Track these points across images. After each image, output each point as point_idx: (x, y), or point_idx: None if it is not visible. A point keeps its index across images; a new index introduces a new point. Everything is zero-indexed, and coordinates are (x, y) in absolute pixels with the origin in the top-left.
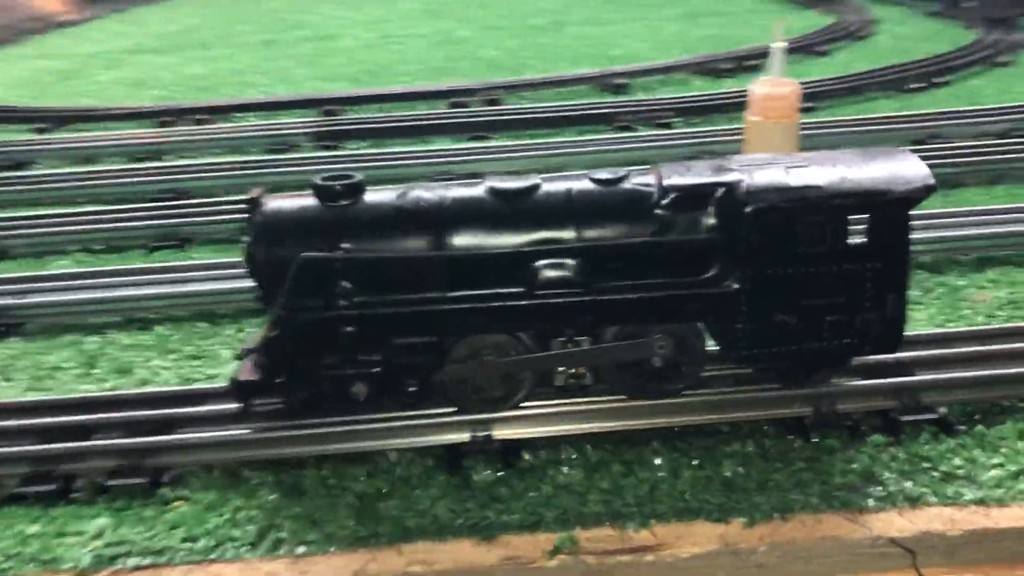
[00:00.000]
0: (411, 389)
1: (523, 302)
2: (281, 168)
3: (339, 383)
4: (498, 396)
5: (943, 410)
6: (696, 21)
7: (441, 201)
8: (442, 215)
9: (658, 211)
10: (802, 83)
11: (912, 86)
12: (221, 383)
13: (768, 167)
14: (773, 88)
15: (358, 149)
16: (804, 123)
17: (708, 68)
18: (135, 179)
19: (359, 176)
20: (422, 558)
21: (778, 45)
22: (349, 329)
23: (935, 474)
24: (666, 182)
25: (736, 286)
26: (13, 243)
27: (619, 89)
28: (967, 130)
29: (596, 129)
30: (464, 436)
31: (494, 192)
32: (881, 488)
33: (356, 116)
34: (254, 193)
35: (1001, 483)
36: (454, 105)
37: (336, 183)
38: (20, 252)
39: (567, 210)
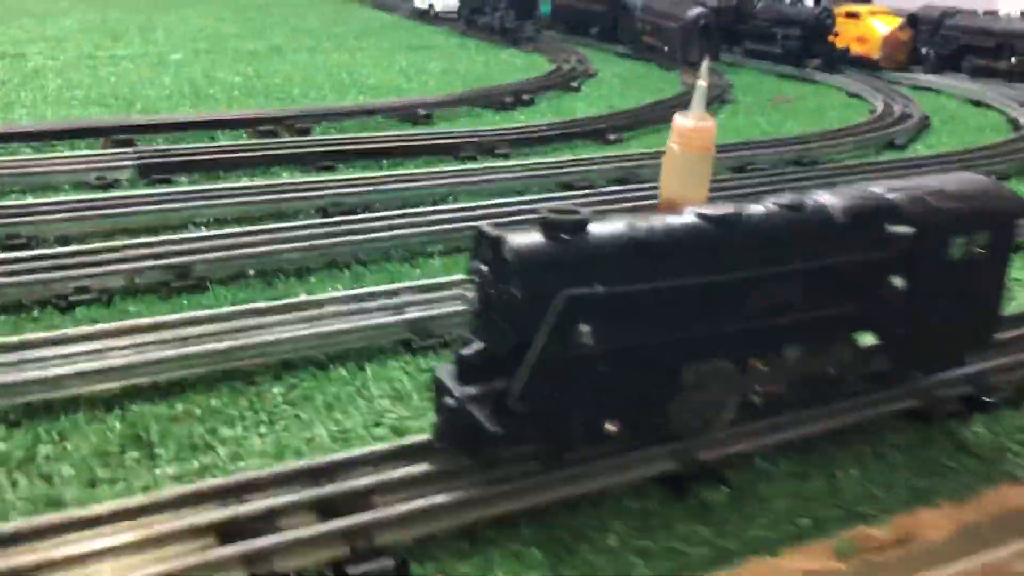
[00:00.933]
0: (649, 421)
1: (754, 325)
2: (114, 209)
3: (593, 421)
4: (710, 420)
5: None
6: (420, 54)
7: (667, 231)
8: (672, 244)
9: (842, 232)
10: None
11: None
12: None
13: (909, 191)
14: (697, 122)
15: (195, 185)
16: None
17: (493, 101)
18: None
19: (584, 211)
20: None
21: (701, 83)
22: (602, 368)
23: None
24: (840, 205)
25: (905, 295)
26: None
27: (424, 120)
28: None
29: (441, 159)
30: (672, 464)
31: (706, 219)
32: None
33: (179, 147)
34: (484, 227)
35: None
36: (261, 134)
37: (565, 217)
38: None
39: (774, 236)
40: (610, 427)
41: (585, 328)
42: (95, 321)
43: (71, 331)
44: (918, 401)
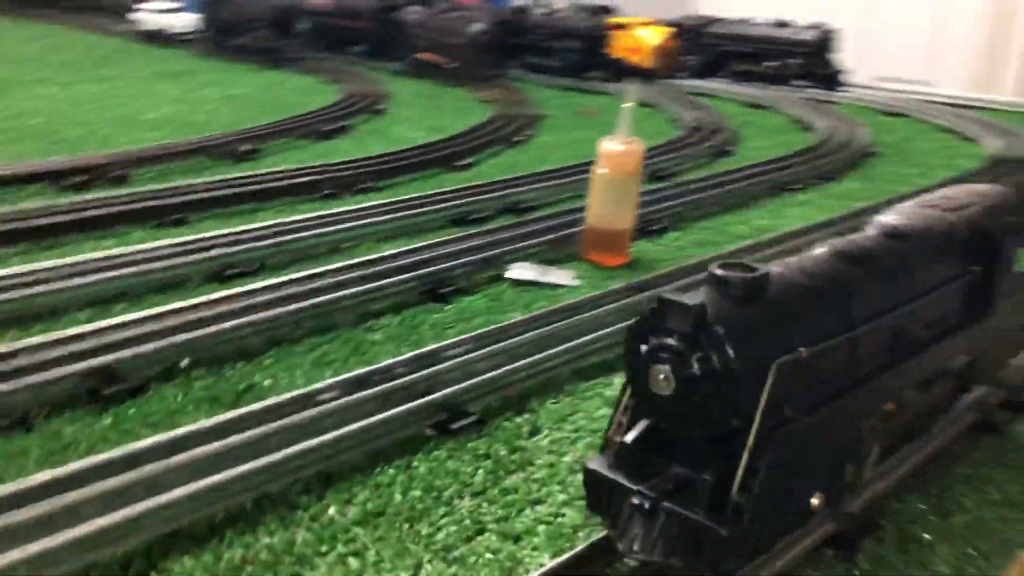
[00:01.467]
0: (845, 483)
1: (907, 362)
2: None
3: (801, 500)
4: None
5: None
6: (185, 80)
7: (843, 273)
8: (844, 288)
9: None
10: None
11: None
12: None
13: (968, 208)
14: (625, 145)
15: (27, 262)
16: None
17: (310, 131)
18: None
19: (759, 267)
20: None
21: (627, 106)
22: (807, 437)
23: None
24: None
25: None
26: None
27: (248, 156)
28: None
29: (296, 201)
30: (833, 525)
31: (847, 255)
32: None
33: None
34: (669, 295)
35: None
36: (73, 187)
37: (748, 275)
38: None
39: (905, 266)
40: (815, 501)
41: (794, 395)
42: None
43: None
44: (977, 414)
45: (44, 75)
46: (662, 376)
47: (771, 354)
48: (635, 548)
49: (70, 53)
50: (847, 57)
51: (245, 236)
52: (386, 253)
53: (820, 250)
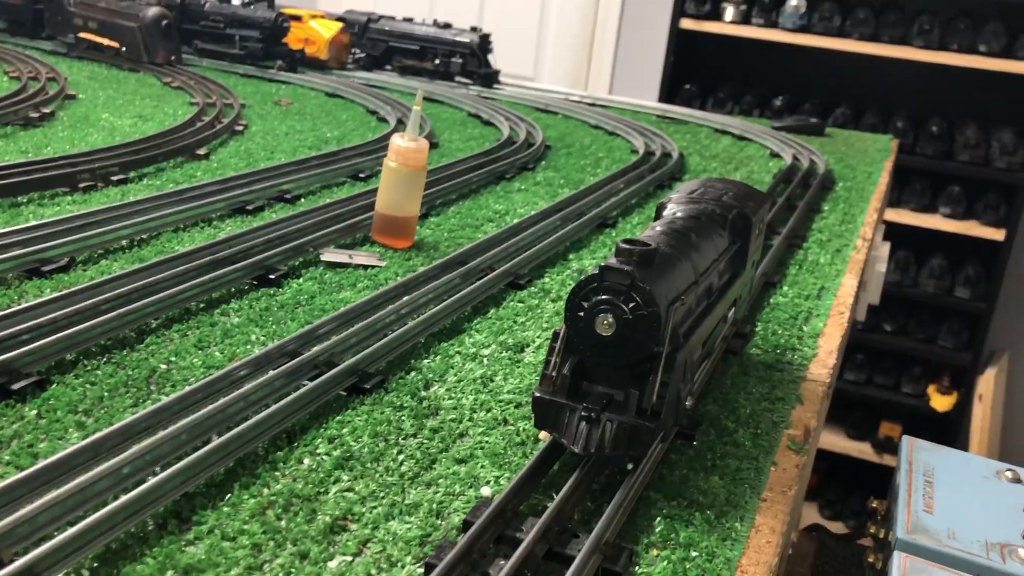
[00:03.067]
0: (694, 388)
1: (720, 301)
2: None
3: (682, 402)
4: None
5: None
6: None
7: (680, 243)
8: (686, 253)
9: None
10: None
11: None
12: None
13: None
14: (412, 142)
15: None
16: None
17: (6, 119)
18: None
19: (650, 242)
20: None
21: (416, 108)
22: (685, 356)
23: None
24: (717, 207)
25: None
26: None
27: None
28: None
29: (54, 194)
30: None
31: (688, 222)
32: None
33: None
34: (611, 263)
35: None
36: None
37: (643, 248)
38: None
39: (711, 236)
40: (688, 403)
41: (678, 329)
42: None
43: None
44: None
45: None
46: (606, 322)
47: (666, 301)
48: (586, 447)
49: None
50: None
51: (44, 231)
52: (207, 243)
53: (655, 228)
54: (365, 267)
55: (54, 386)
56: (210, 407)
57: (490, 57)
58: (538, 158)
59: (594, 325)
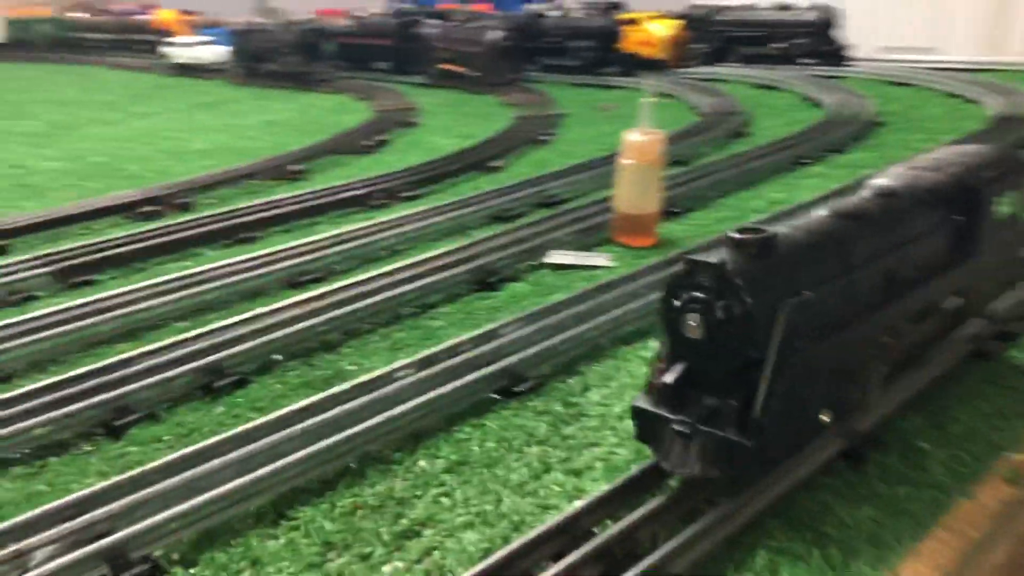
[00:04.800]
0: (851, 401)
1: (901, 300)
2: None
3: (813, 417)
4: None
5: None
6: (222, 110)
7: (840, 229)
8: (841, 240)
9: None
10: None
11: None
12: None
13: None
14: (646, 136)
15: (121, 285)
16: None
17: (347, 147)
18: None
19: (768, 228)
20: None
21: (647, 100)
22: (817, 363)
23: None
24: (940, 180)
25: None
26: None
27: (300, 176)
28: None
29: (349, 212)
30: (842, 441)
31: (882, 194)
32: None
33: (86, 243)
34: (696, 257)
35: None
36: (144, 216)
37: (757, 236)
38: None
39: (901, 218)
40: (824, 417)
41: (803, 333)
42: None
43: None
44: (972, 344)
45: (92, 115)
46: (693, 323)
47: (780, 298)
48: (678, 465)
49: (108, 93)
50: (851, 33)
51: (310, 247)
52: (439, 251)
53: (822, 211)
54: (592, 268)
55: (251, 385)
56: (337, 410)
57: (837, 33)
58: (856, 137)
59: (682, 326)
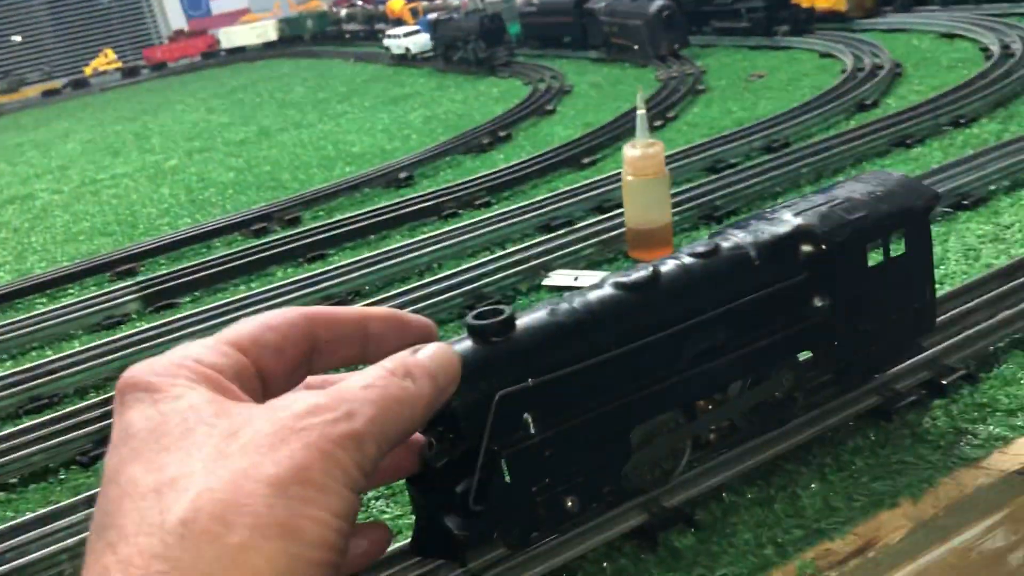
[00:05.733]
0: (606, 488)
1: (684, 375)
2: (123, 352)
3: (552, 504)
4: (668, 469)
5: None
6: (400, 106)
7: (589, 307)
8: (593, 320)
9: (759, 268)
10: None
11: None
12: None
13: (817, 209)
14: (643, 150)
15: (196, 305)
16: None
17: (472, 145)
18: None
19: (507, 310)
20: None
21: (640, 111)
22: (549, 452)
23: None
24: (749, 241)
25: (829, 312)
26: None
27: (406, 182)
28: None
29: (426, 223)
30: (643, 516)
31: (624, 287)
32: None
33: (176, 269)
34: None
35: None
36: (255, 233)
37: (490, 322)
38: None
39: (691, 287)
40: (569, 503)
41: (528, 419)
42: None
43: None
44: (877, 398)
45: (295, 119)
46: None
47: (501, 387)
48: (416, 550)
49: (327, 90)
50: None
51: (346, 269)
52: (441, 275)
53: (608, 284)
54: None
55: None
56: None
57: None
58: (996, 105)
59: None
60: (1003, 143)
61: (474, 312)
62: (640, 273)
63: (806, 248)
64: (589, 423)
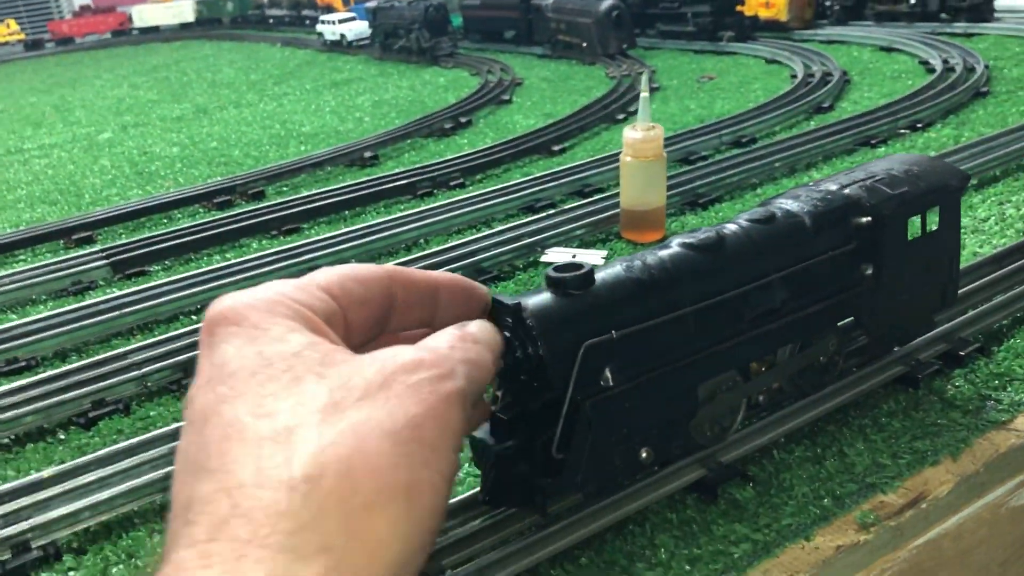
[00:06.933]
0: (676, 442)
1: (745, 336)
2: (104, 315)
3: (628, 454)
4: (726, 426)
5: None
6: (344, 90)
7: (662, 264)
8: (667, 278)
9: (815, 236)
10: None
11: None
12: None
13: (863, 183)
14: (643, 132)
15: (170, 274)
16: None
17: (434, 129)
18: None
19: (587, 264)
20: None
21: (644, 94)
22: (627, 404)
23: None
24: (806, 210)
25: (873, 281)
26: None
27: (371, 162)
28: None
29: (400, 201)
30: (700, 471)
31: (692, 247)
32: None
33: (145, 236)
34: (500, 297)
35: None
36: (218, 206)
37: (572, 275)
38: None
39: (753, 251)
40: (644, 454)
41: (607, 372)
42: (120, 431)
43: (103, 452)
44: (902, 367)
45: (232, 98)
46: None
47: (584, 339)
48: (488, 496)
49: (259, 72)
50: None
51: (330, 241)
52: (432, 250)
53: (674, 244)
54: None
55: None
56: None
57: None
58: (948, 112)
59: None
60: (962, 146)
61: (553, 265)
62: (706, 234)
63: (856, 219)
64: (663, 377)
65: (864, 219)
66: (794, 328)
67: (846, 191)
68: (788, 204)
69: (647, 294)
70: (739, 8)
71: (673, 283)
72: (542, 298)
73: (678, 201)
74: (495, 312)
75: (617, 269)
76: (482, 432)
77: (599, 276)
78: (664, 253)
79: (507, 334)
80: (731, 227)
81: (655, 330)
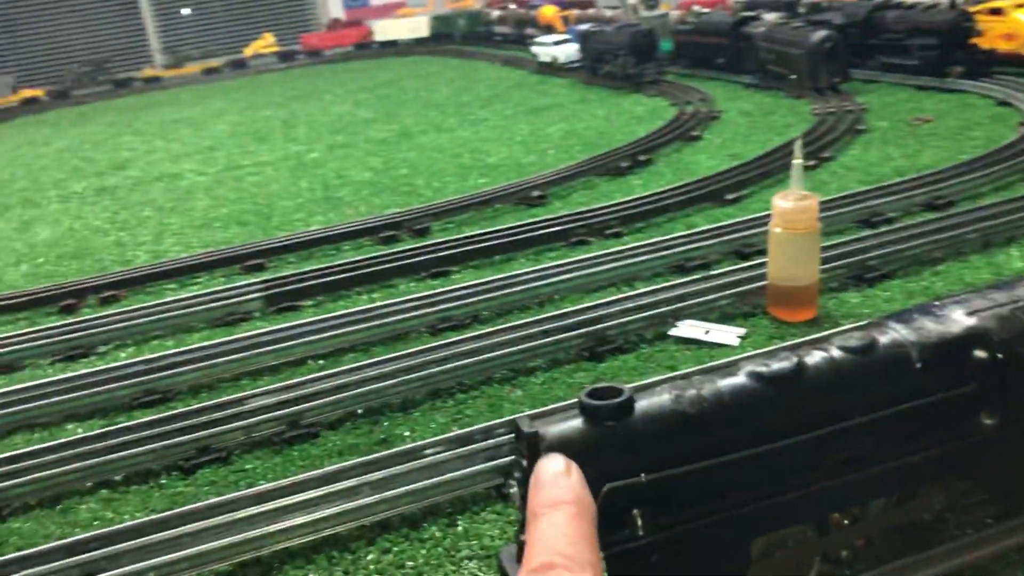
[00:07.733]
0: None
1: (821, 485)
2: (241, 353)
3: None
4: None
5: None
6: (541, 117)
7: (719, 398)
8: (723, 414)
9: (921, 372)
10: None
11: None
12: None
13: (996, 310)
14: (796, 202)
15: (318, 312)
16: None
17: (609, 167)
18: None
19: (626, 391)
20: None
21: (797, 161)
22: (656, 557)
23: None
24: (911, 339)
25: (997, 431)
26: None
27: (538, 201)
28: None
29: (553, 248)
30: None
31: (762, 378)
32: None
33: (303, 271)
34: (521, 424)
35: None
36: (384, 241)
37: (607, 403)
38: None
39: (839, 386)
40: None
41: (636, 517)
42: (213, 482)
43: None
44: None
45: (436, 121)
46: (513, 491)
47: (610, 478)
48: None
49: (470, 93)
50: None
51: (465, 291)
52: (562, 311)
53: (742, 373)
54: (714, 345)
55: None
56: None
57: None
58: None
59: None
60: None
61: (589, 389)
62: (782, 364)
63: (979, 354)
64: (705, 529)
65: (985, 355)
66: (886, 479)
67: (971, 319)
68: (896, 329)
69: (694, 431)
70: (973, 40)
71: (729, 420)
72: (568, 427)
73: (843, 274)
74: (515, 439)
75: (664, 399)
76: (508, 557)
77: (641, 405)
78: (726, 383)
79: (523, 463)
80: (817, 355)
81: (699, 474)
